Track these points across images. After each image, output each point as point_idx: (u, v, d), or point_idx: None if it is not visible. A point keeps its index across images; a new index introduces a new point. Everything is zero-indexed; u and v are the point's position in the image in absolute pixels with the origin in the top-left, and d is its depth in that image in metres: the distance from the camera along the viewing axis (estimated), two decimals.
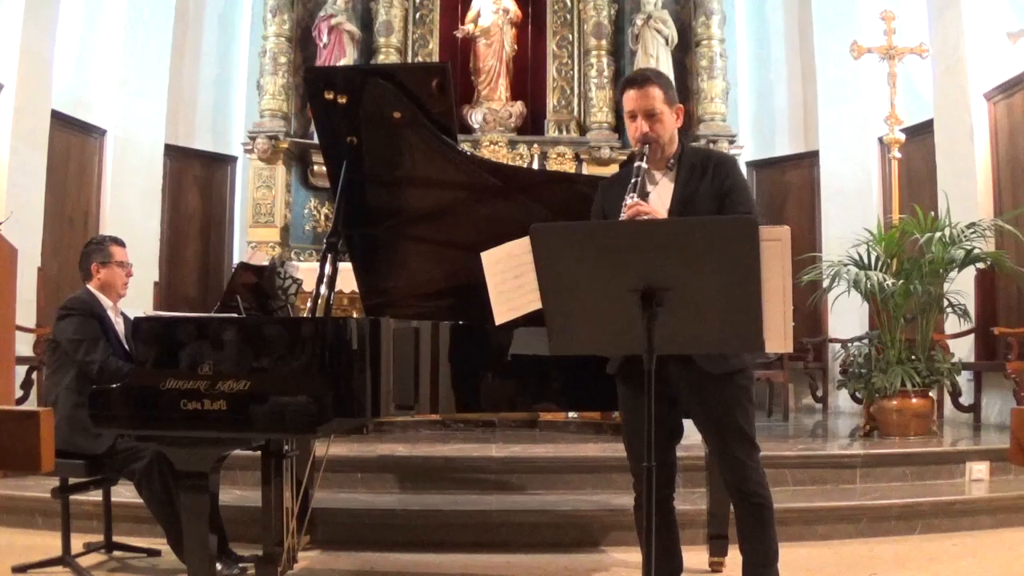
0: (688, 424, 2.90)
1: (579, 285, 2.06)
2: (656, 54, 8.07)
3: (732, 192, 2.69)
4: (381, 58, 8.02)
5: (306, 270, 4.87)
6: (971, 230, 5.62)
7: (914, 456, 4.96)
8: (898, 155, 6.37)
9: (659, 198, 2.72)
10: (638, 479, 2.77)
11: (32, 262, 6.46)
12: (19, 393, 5.91)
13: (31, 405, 6.03)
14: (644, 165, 2.65)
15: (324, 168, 3.87)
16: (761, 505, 2.69)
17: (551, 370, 3.39)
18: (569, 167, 7.99)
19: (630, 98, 2.74)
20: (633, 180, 2.60)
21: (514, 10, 8.46)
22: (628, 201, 2.54)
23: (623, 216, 2.52)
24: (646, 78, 2.78)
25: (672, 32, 8.13)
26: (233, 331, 2.91)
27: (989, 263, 5.92)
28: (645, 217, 2.51)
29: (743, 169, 8.54)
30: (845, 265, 5.75)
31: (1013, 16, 6.65)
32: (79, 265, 3.93)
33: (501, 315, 2.62)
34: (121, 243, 3.98)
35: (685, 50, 8.29)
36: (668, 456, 2.80)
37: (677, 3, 8.42)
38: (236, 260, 8.37)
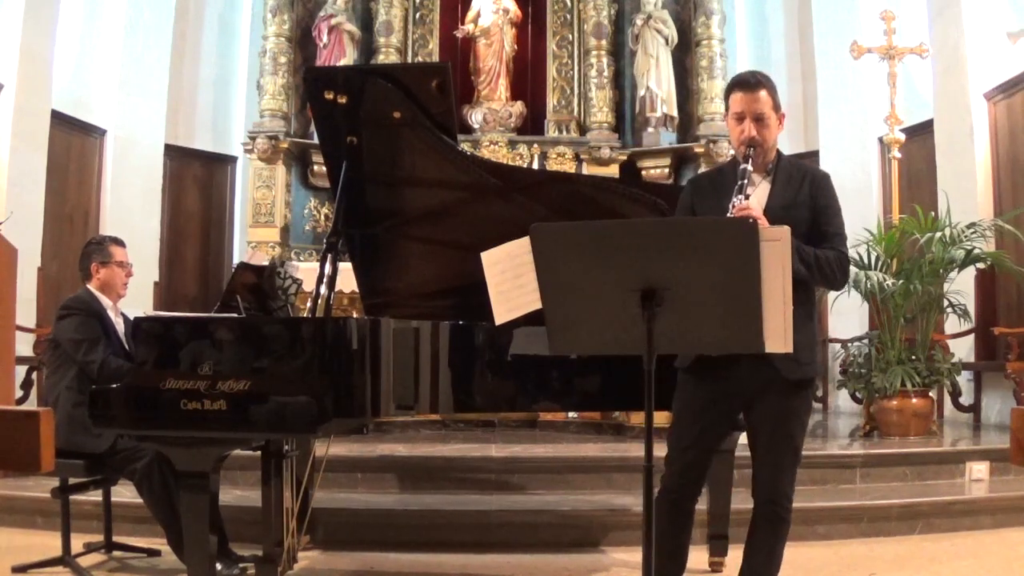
0: None
1: (579, 285, 2.06)
2: (656, 54, 8.07)
3: (827, 209, 2.70)
4: (381, 58, 8.01)
5: (306, 270, 4.87)
6: (971, 230, 5.62)
7: (914, 456, 4.97)
8: (898, 155, 6.37)
9: (757, 201, 2.69)
10: (675, 475, 2.71)
11: (32, 262, 6.46)
12: (19, 393, 5.91)
13: (31, 405, 6.03)
14: (750, 168, 2.63)
15: (324, 168, 3.87)
16: (785, 521, 2.68)
17: (551, 370, 3.38)
18: (569, 167, 7.98)
19: (738, 100, 2.71)
20: (740, 183, 2.58)
21: (514, 10, 8.45)
22: (736, 202, 2.52)
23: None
24: (757, 82, 2.73)
25: (672, 32, 8.12)
26: (233, 331, 2.91)
27: (989, 263, 5.92)
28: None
29: None
30: None
31: (1013, 16, 6.65)
32: (79, 265, 3.93)
33: (501, 315, 2.62)
34: (121, 243, 3.98)
35: (685, 50, 8.28)
36: (708, 459, 2.78)
37: (677, 3, 8.41)
38: (236, 260, 8.37)
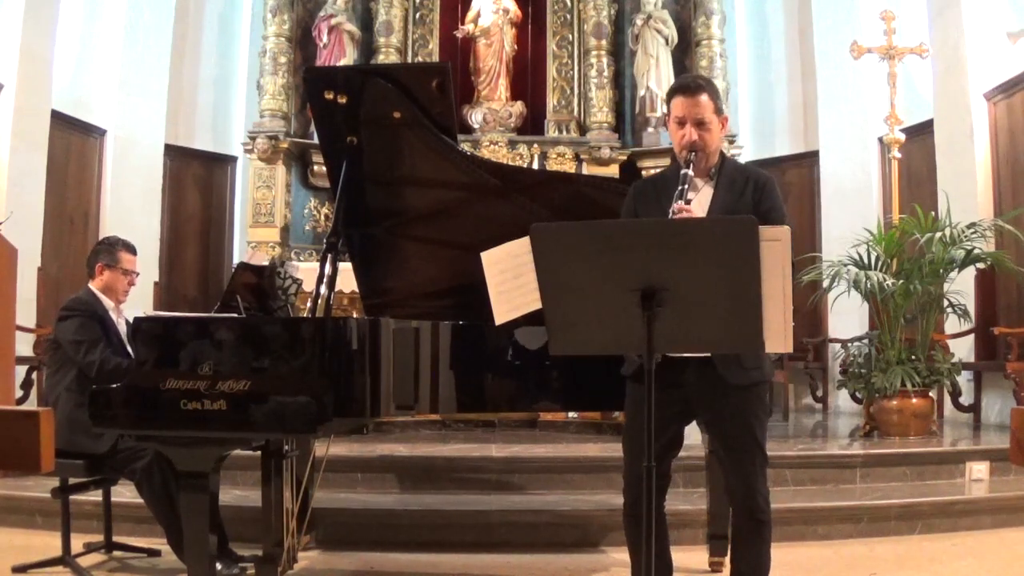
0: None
1: (579, 285, 2.06)
2: (656, 54, 8.07)
3: (771, 212, 2.67)
4: (381, 58, 8.02)
5: (306, 270, 4.87)
6: (971, 230, 5.62)
7: (914, 456, 4.97)
8: (898, 155, 6.37)
9: (699, 205, 2.69)
10: (630, 487, 2.72)
11: (32, 262, 6.46)
12: (19, 393, 5.91)
13: (31, 405, 6.03)
14: (691, 173, 2.63)
15: (324, 168, 3.87)
16: (764, 523, 2.66)
17: (551, 370, 3.38)
18: (569, 167, 7.99)
19: (680, 104, 2.70)
20: (680, 187, 2.57)
21: (514, 10, 8.46)
22: (676, 207, 2.51)
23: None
24: (698, 86, 2.74)
25: (672, 32, 8.13)
26: (233, 331, 2.91)
27: (989, 263, 5.92)
28: None
29: None
30: (845, 265, 5.75)
31: (1013, 16, 6.65)
32: (86, 261, 3.93)
33: (501, 315, 2.62)
34: (132, 250, 3.94)
35: (685, 50, 8.29)
36: (663, 465, 2.77)
37: (677, 3, 8.42)
38: (236, 260, 8.36)
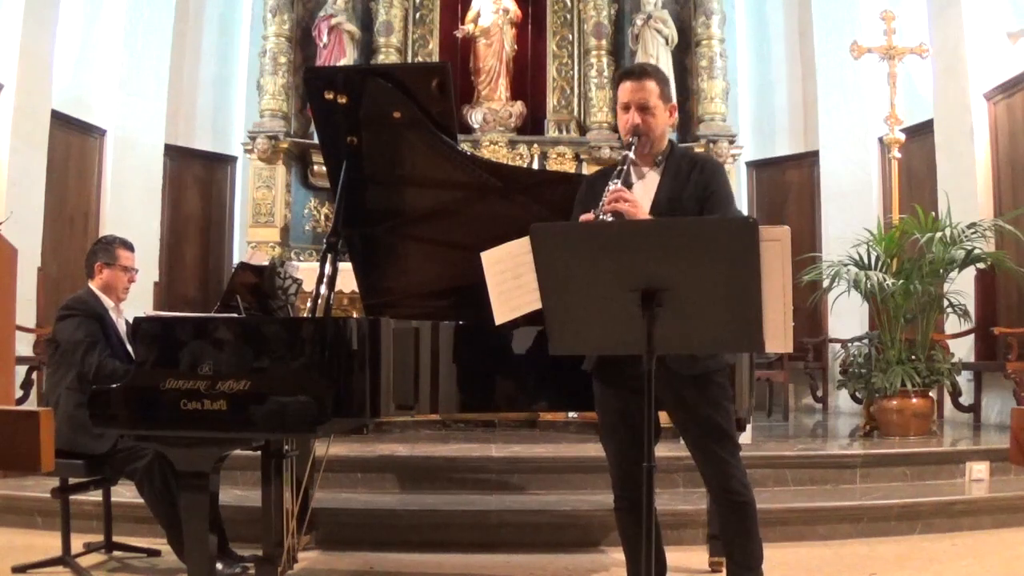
0: None
1: (579, 285, 2.06)
2: (656, 54, 8.06)
3: (714, 195, 2.68)
4: (381, 58, 8.01)
5: (306, 270, 4.86)
6: (971, 230, 5.62)
7: (914, 456, 4.97)
8: (898, 155, 6.38)
9: (644, 192, 2.71)
10: (618, 482, 2.73)
11: (32, 262, 6.46)
12: (19, 393, 5.91)
13: (31, 405, 6.03)
14: (632, 155, 2.65)
15: (324, 168, 3.87)
16: (746, 504, 2.66)
17: (551, 369, 3.38)
18: (569, 167, 7.98)
19: (625, 90, 2.73)
20: (619, 168, 2.61)
21: (514, 10, 8.45)
22: (611, 186, 2.54)
23: (604, 201, 2.51)
24: (644, 71, 2.78)
25: (672, 32, 8.12)
26: (233, 331, 2.91)
27: (989, 263, 5.92)
28: (625, 205, 2.51)
29: (743, 169, 8.66)
30: (845, 265, 5.75)
31: (1013, 16, 6.65)
32: (85, 261, 3.93)
33: (501, 315, 2.62)
34: (130, 247, 3.95)
35: (685, 50, 8.28)
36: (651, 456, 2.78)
37: (677, 3, 8.41)
38: (236, 260, 8.36)
